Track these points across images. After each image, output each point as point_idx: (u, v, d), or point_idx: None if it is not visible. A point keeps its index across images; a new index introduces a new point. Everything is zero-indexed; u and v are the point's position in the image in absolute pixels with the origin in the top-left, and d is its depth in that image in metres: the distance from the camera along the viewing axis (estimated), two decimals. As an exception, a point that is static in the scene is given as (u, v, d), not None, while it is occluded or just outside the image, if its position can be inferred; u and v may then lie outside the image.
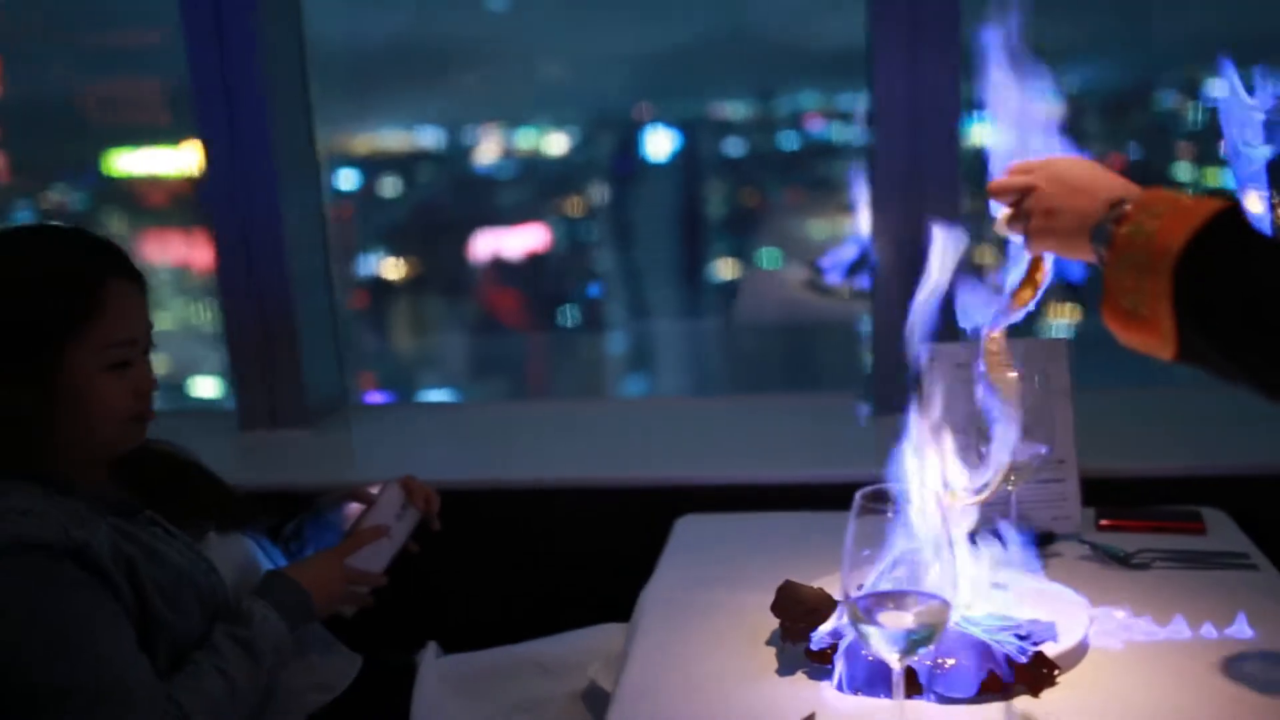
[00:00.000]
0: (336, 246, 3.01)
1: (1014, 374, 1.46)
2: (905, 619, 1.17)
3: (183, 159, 3.31)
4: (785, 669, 1.45)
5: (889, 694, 1.32)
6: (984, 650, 1.36)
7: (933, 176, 2.42)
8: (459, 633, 1.98)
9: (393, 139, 3.52)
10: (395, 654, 1.86)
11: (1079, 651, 1.43)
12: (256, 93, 2.54)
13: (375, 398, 3.50)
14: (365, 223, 3.62)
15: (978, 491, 1.47)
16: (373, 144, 3.51)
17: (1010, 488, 1.68)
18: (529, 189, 3.58)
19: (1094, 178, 1.28)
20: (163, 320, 3.64)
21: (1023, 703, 1.34)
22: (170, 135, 3.15)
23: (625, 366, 3.70)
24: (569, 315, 3.63)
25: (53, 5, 3.11)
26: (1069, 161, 1.34)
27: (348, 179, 3.49)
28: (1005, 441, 1.44)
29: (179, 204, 3.43)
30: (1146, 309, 1.13)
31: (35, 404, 1.48)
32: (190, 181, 3.25)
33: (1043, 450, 1.65)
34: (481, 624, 2.04)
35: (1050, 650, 1.39)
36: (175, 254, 3.53)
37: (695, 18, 3.19)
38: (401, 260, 3.60)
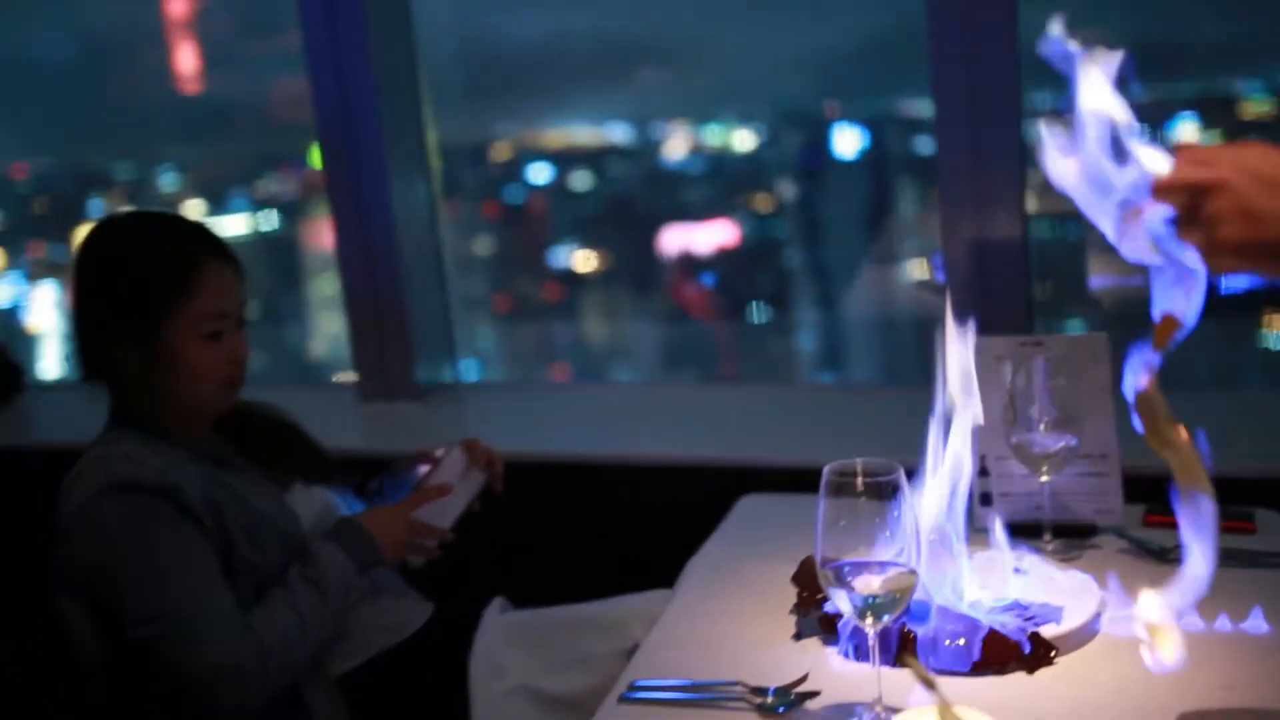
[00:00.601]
0: (529, 238, 3.11)
1: (1184, 435, 1.20)
2: (872, 584, 1.23)
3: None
4: (800, 636, 1.54)
5: (889, 663, 1.39)
6: (983, 629, 1.39)
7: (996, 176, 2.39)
8: (529, 592, 2.08)
9: (584, 134, 3.58)
10: (465, 607, 1.96)
11: (1082, 635, 1.45)
12: (369, 92, 2.77)
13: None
14: (558, 216, 3.69)
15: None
16: (565, 139, 3.58)
17: (1043, 479, 1.71)
18: (717, 185, 3.58)
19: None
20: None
21: (1017, 679, 1.38)
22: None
23: (815, 361, 3.64)
24: (758, 310, 3.61)
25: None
26: (1262, 150, 1.05)
27: (541, 173, 3.57)
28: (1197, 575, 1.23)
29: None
30: None
31: (142, 365, 1.73)
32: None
33: (1072, 442, 1.67)
34: (550, 586, 2.13)
35: (1050, 632, 1.41)
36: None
37: (885, 14, 3.09)
38: (593, 253, 3.66)
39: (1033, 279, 2.47)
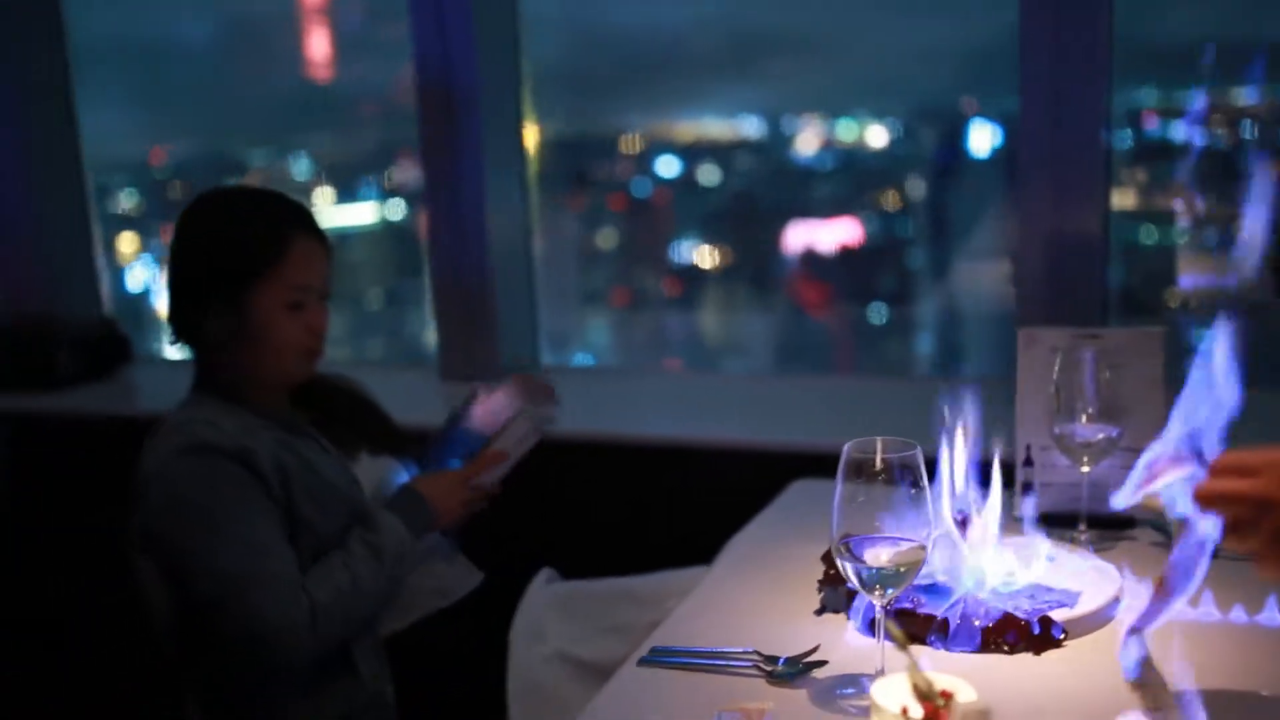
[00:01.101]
0: (652, 231, 3.10)
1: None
2: (880, 558, 1.28)
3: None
4: (823, 610, 1.61)
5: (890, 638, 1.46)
6: (995, 610, 1.46)
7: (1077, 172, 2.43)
8: (581, 566, 2.17)
9: (715, 127, 3.56)
10: (514, 577, 2.08)
11: (1094, 620, 1.49)
12: (472, 78, 2.90)
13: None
14: (682, 210, 3.68)
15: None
16: (696, 131, 3.57)
17: (1084, 469, 1.73)
18: (846, 181, 3.55)
19: None
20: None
21: (1024, 659, 1.43)
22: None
23: (932, 359, 3.61)
24: (877, 310, 3.58)
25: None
26: None
27: (669, 165, 3.56)
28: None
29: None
30: None
31: (227, 331, 1.81)
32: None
33: (1114, 433, 1.69)
34: (603, 561, 2.21)
35: (1062, 615, 1.46)
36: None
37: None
38: (715, 248, 3.64)
39: (1118, 276, 2.52)
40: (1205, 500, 1.10)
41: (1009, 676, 1.39)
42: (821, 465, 2.14)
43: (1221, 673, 1.37)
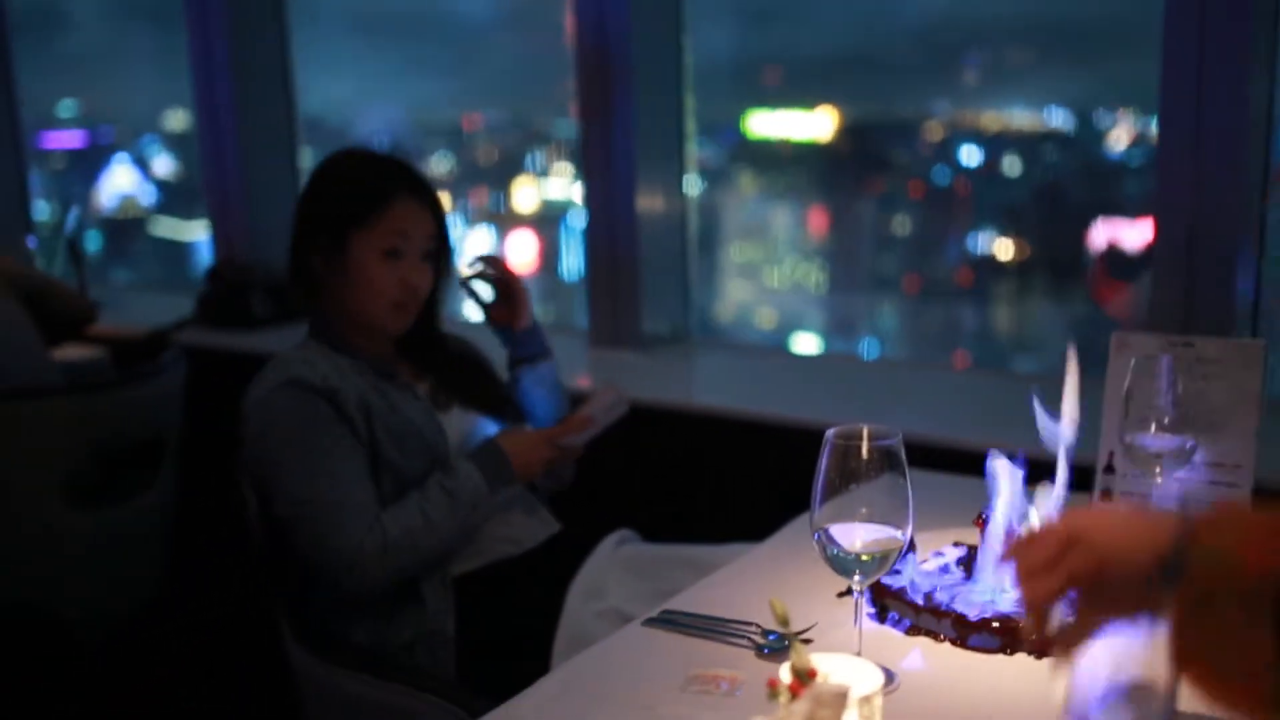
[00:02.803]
0: (949, 220, 3.04)
1: None
2: (855, 544, 1.30)
3: (815, 124, 3.48)
4: (847, 593, 1.60)
5: (901, 628, 1.51)
6: (994, 610, 1.46)
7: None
8: (662, 533, 2.21)
9: (1021, 118, 3.46)
10: (591, 534, 2.13)
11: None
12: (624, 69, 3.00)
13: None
14: (981, 200, 3.60)
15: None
16: (1001, 122, 3.48)
17: (1157, 480, 1.64)
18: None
19: (1131, 520, 1.06)
20: (774, 277, 3.88)
21: (1019, 659, 1.42)
22: (804, 99, 3.32)
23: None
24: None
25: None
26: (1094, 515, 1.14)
27: (971, 155, 3.49)
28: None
29: (802, 166, 3.61)
30: (1239, 656, 0.88)
31: (328, 271, 2.01)
32: (818, 147, 3.42)
33: (1188, 445, 1.60)
34: (683, 529, 2.26)
35: None
36: (813, 220, 3.74)
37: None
38: (1012, 241, 3.55)
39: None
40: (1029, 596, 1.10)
41: (1007, 675, 1.39)
42: (957, 460, 2.17)
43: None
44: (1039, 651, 1.41)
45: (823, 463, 1.30)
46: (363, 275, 1.99)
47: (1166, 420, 1.61)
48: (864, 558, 1.30)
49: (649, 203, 3.09)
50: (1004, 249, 3.58)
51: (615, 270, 3.12)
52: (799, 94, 3.45)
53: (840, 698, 0.95)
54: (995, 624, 1.44)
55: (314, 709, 1.98)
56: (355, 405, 1.93)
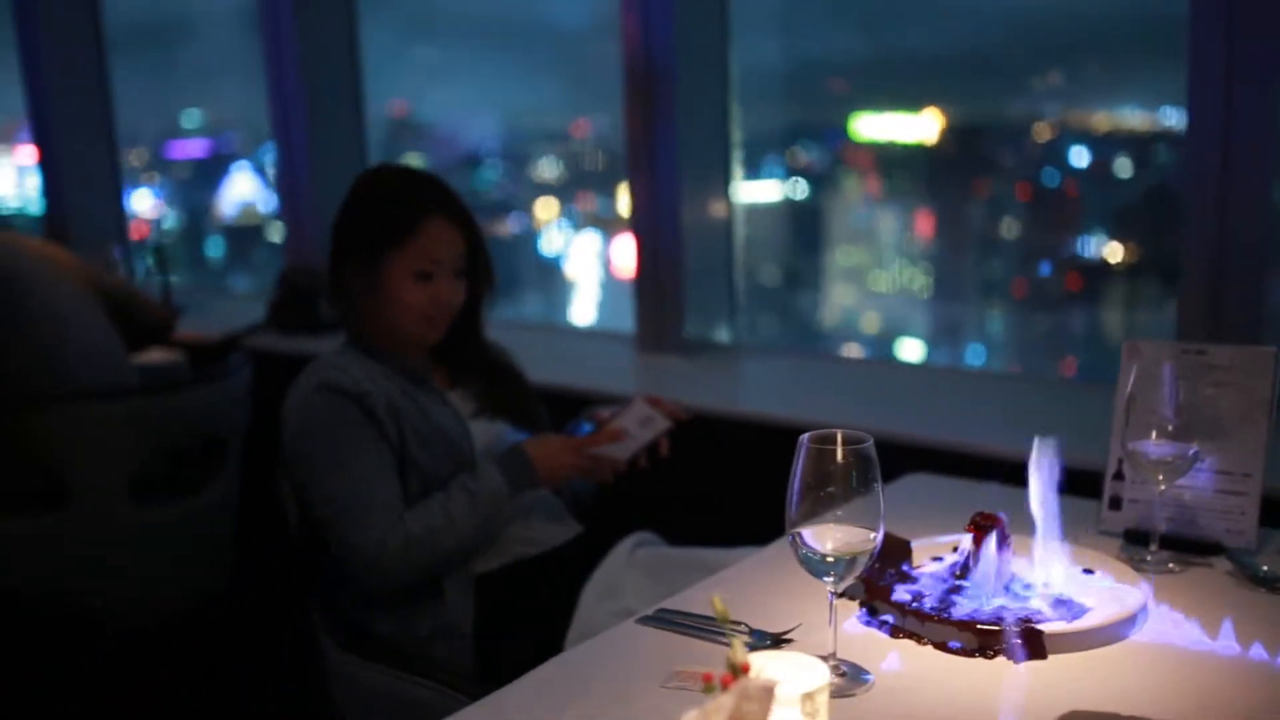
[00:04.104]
0: (1057, 223, 3.00)
1: None
2: (827, 545, 1.30)
3: (921, 126, 3.46)
4: (840, 595, 1.55)
5: (886, 631, 1.49)
6: (980, 615, 1.45)
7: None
8: (684, 536, 2.27)
9: (1134, 118, 3.41)
10: (611, 536, 2.18)
11: (1090, 638, 1.43)
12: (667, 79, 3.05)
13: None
14: (1090, 202, 3.55)
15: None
16: (1112, 121, 3.43)
17: (1160, 487, 1.65)
18: None
19: None
20: (879, 281, 3.88)
21: (999, 663, 1.40)
22: (911, 101, 3.31)
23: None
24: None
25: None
26: None
27: (1080, 156, 3.44)
28: None
29: (909, 169, 3.60)
30: None
31: (364, 289, 2.09)
32: (924, 149, 3.40)
33: (1189, 452, 1.60)
34: (706, 532, 2.26)
35: (1055, 628, 1.42)
36: (919, 223, 3.72)
37: None
38: (1122, 245, 3.50)
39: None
40: None
41: (972, 678, 1.38)
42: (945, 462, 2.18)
43: (1183, 701, 1.30)
44: (1015, 655, 1.41)
45: (797, 466, 1.31)
46: (395, 294, 2.07)
47: (1170, 428, 1.61)
48: (830, 559, 1.31)
49: (694, 211, 3.14)
50: (1114, 252, 3.52)
51: (658, 278, 3.17)
52: (905, 96, 3.44)
53: (767, 693, 0.93)
54: (976, 626, 1.43)
55: (344, 698, 2.06)
56: (385, 408, 2.00)
